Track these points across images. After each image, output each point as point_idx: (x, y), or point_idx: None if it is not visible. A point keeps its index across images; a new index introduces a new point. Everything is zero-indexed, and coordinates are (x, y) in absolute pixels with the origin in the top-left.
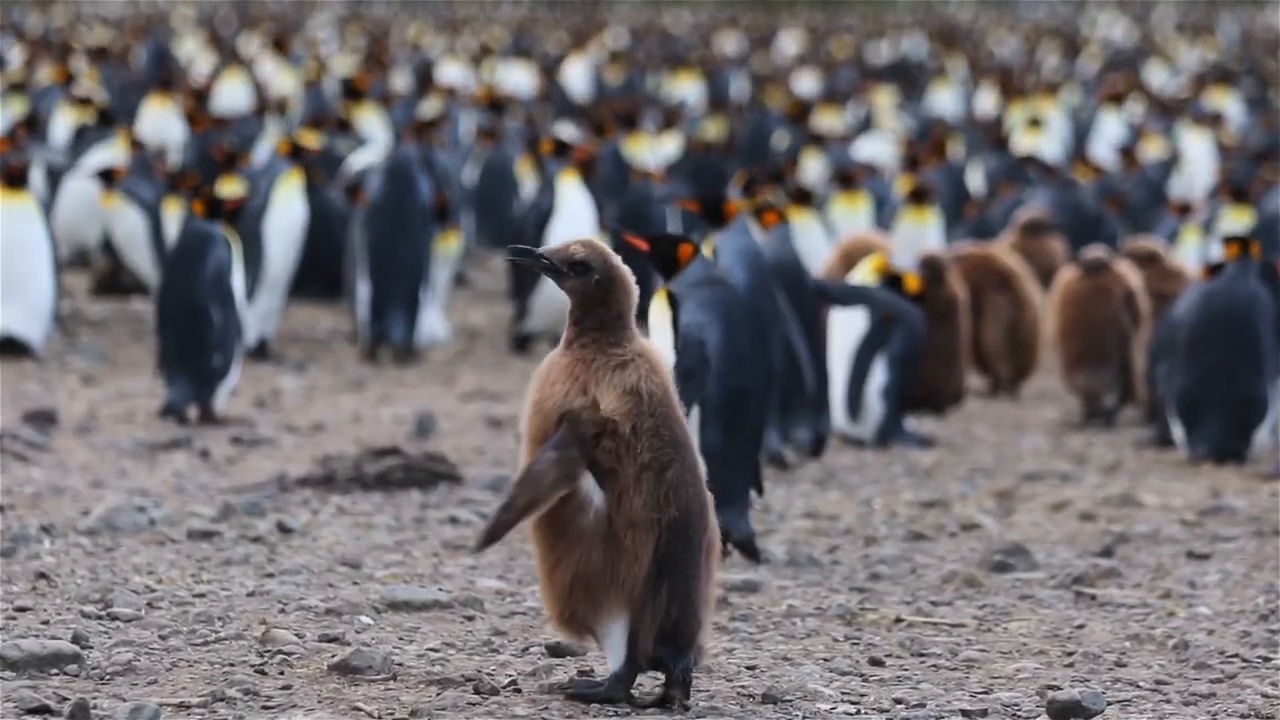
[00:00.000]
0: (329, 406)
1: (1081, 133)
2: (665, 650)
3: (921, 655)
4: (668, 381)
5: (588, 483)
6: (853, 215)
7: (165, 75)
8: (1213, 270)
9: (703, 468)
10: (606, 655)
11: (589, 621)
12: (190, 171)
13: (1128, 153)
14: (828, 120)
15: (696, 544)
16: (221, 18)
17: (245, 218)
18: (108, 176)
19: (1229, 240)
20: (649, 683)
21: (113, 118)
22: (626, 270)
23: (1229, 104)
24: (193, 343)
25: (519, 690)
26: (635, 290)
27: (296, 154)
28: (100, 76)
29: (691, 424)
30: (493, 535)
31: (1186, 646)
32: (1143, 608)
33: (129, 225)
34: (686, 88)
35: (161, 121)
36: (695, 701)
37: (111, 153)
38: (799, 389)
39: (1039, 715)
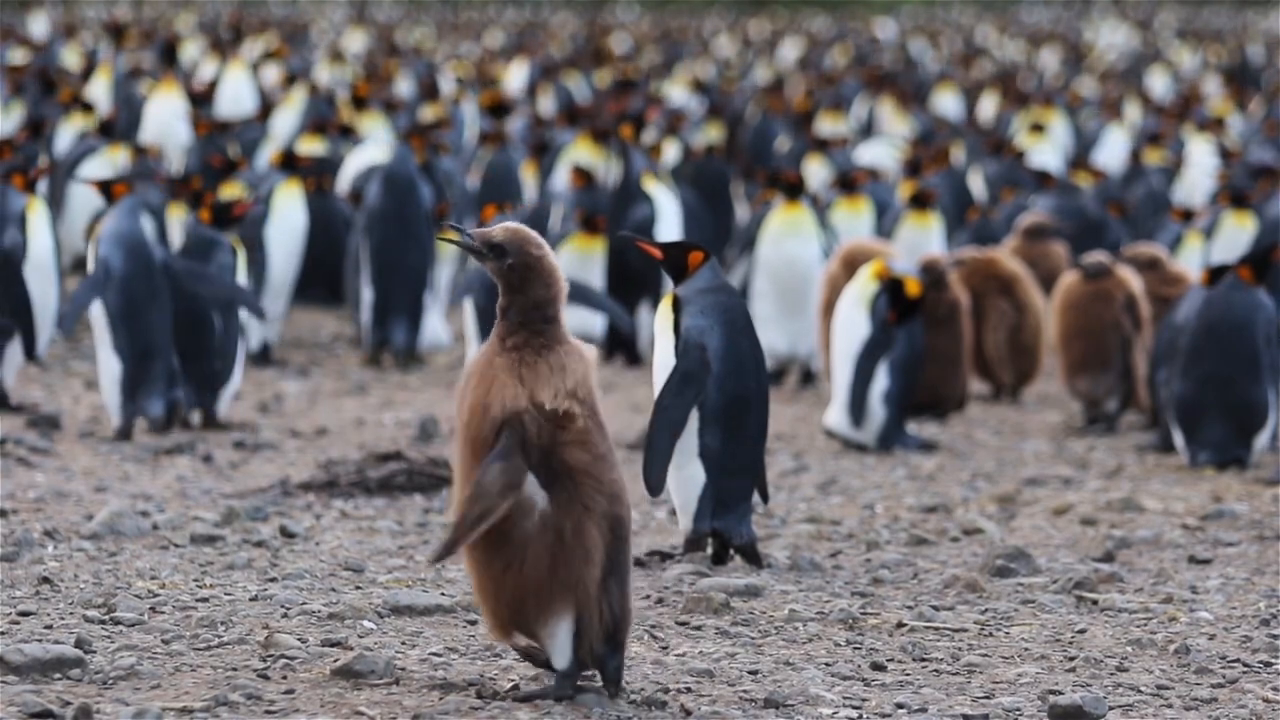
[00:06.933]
0: (332, 411)
1: (1086, 145)
2: (604, 648)
3: (923, 660)
4: (595, 381)
5: (530, 486)
6: (854, 220)
7: (170, 48)
8: (1213, 275)
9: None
10: (552, 655)
11: (534, 624)
12: (193, 176)
13: (1135, 155)
14: (830, 125)
15: (629, 543)
16: (225, 23)
17: (247, 224)
18: (107, 191)
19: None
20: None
21: (113, 130)
22: (551, 263)
23: (1231, 109)
24: (195, 347)
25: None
26: (558, 284)
27: (290, 164)
28: (111, 76)
29: (690, 428)
30: (448, 550)
31: (1188, 651)
32: (1144, 613)
33: None
34: (687, 93)
35: (168, 114)
36: (698, 706)
37: (104, 163)
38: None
39: None
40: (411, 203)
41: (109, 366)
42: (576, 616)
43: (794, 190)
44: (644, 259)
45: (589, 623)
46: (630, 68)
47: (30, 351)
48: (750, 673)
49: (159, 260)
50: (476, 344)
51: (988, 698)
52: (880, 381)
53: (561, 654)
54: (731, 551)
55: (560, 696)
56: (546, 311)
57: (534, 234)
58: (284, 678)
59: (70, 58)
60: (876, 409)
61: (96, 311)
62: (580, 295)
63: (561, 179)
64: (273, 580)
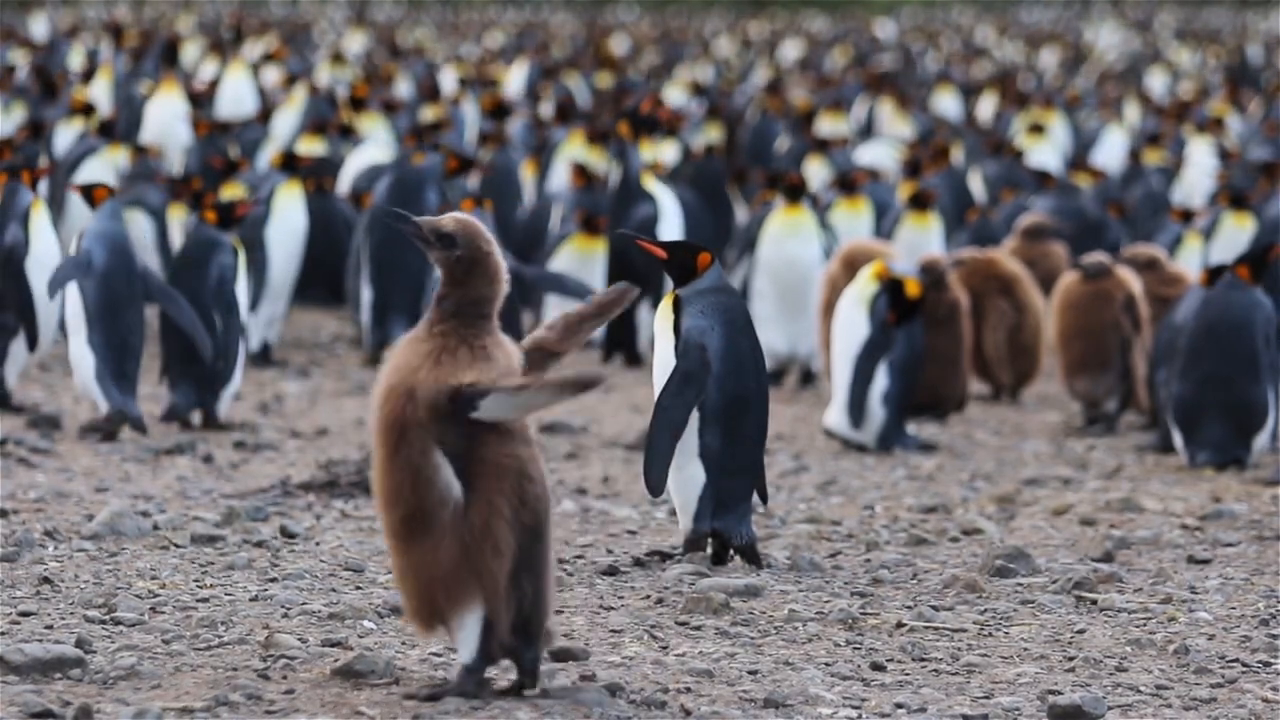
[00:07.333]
0: (332, 411)
1: (1086, 145)
2: (518, 640)
3: (923, 660)
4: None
5: (447, 474)
6: (854, 220)
7: (171, 48)
8: (1212, 275)
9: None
10: (458, 647)
11: (445, 614)
12: (193, 177)
13: (1135, 155)
14: (830, 125)
15: (546, 536)
16: (225, 24)
17: (247, 225)
18: (89, 196)
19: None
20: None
21: (113, 130)
22: (498, 260)
23: (1230, 110)
24: (196, 348)
25: (521, 695)
26: (501, 284)
27: (290, 164)
28: (112, 76)
29: (691, 428)
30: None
31: (1187, 651)
32: (1143, 613)
33: (136, 230)
34: (687, 95)
35: (168, 114)
36: (698, 706)
37: (102, 164)
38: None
39: None
40: (416, 205)
41: (83, 361)
42: (485, 609)
43: (796, 192)
44: (645, 259)
45: (497, 616)
46: (630, 69)
47: (33, 346)
48: (750, 673)
49: (139, 267)
50: None
51: (987, 698)
52: (880, 382)
53: (468, 647)
54: (731, 551)
55: (464, 692)
56: (483, 309)
57: (484, 229)
58: (284, 678)
59: (76, 59)
60: (876, 409)
61: (73, 306)
62: (554, 284)
63: (561, 179)
64: (273, 580)
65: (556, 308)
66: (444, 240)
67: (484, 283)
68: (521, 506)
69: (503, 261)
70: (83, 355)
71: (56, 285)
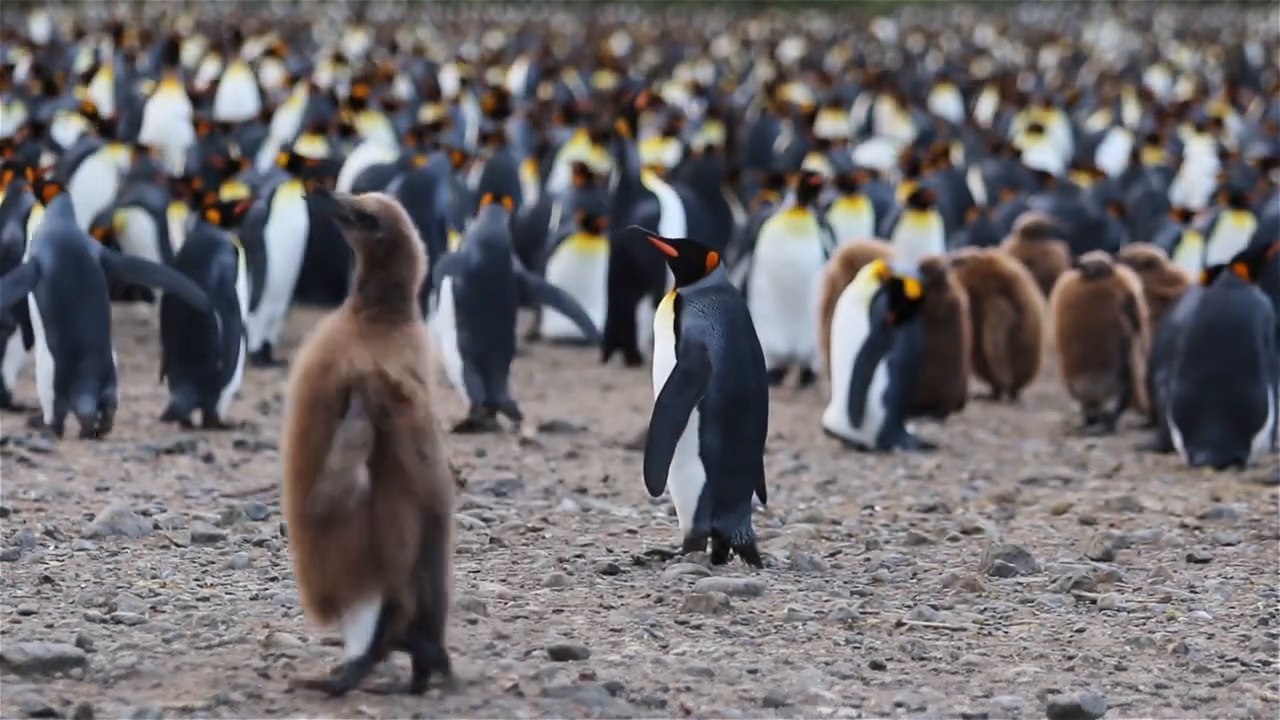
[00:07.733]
0: None
1: (1086, 145)
2: (418, 635)
3: (922, 659)
4: (434, 371)
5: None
6: (854, 220)
7: (173, 47)
8: (1211, 274)
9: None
10: (350, 640)
11: (344, 606)
12: (194, 176)
13: (1135, 155)
14: (830, 125)
15: (448, 529)
16: (226, 24)
17: (248, 225)
18: (39, 193)
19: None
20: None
21: (113, 130)
22: (417, 244)
23: (1228, 110)
24: (196, 348)
25: (521, 694)
26: (420, 266)
27: (295, 165)
28: (112, 76)
29: (691, 427)
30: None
31: (1186, 650)
32: (1143, 612)
33: (137, 230)
34: (687, 96)
35: (169, 114)
36: (698, 705)
37: (102, 164)
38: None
39: (1039, 719)
40: (428, 207)
41: (43, 363)
42: (385, 601)
43: (812, 193)
44: (646, 257)
45: (398, 609)
46: (630, 69)
47: (29, 344)
48: (750, 672)
49: (96, 257)
50: (452, 327)
51: (986, 697)
52: (880, 382)
53: (360, 640)
54: (731, 551)
55: (345, 688)
56: (405, 290)
57: (404, 212)
58: (285, 676)
59: (83, 61)
60: (876, 409)
61: (32, 311)
62: (551, 297)
63: (561, 179)
64: (273, 579)
65: (555, 315)
66: (365, 221)
67: (404, 266)
68: (427, 502)
69: (421, 244)
70: (43, 358)
71: (4, 300)
